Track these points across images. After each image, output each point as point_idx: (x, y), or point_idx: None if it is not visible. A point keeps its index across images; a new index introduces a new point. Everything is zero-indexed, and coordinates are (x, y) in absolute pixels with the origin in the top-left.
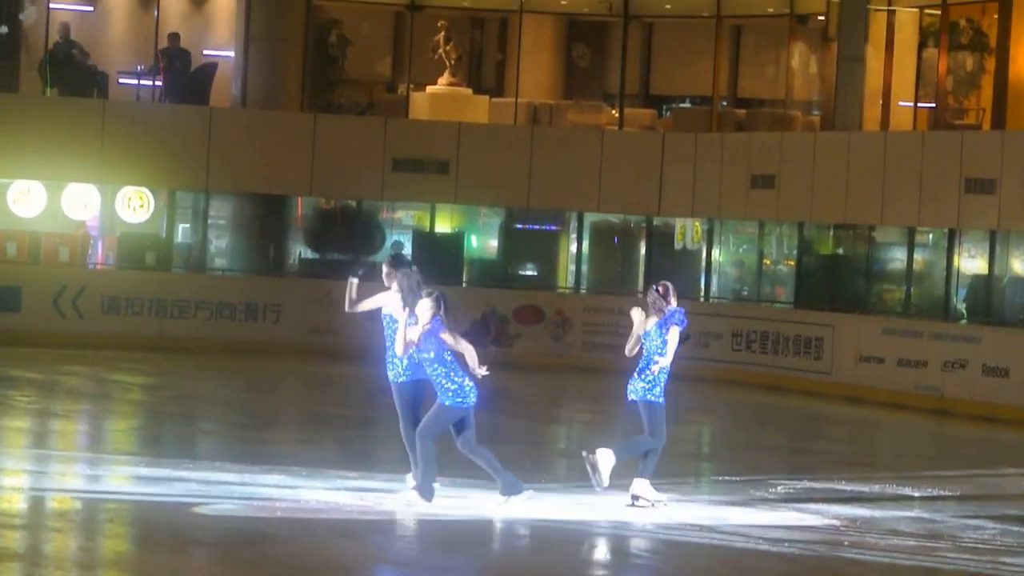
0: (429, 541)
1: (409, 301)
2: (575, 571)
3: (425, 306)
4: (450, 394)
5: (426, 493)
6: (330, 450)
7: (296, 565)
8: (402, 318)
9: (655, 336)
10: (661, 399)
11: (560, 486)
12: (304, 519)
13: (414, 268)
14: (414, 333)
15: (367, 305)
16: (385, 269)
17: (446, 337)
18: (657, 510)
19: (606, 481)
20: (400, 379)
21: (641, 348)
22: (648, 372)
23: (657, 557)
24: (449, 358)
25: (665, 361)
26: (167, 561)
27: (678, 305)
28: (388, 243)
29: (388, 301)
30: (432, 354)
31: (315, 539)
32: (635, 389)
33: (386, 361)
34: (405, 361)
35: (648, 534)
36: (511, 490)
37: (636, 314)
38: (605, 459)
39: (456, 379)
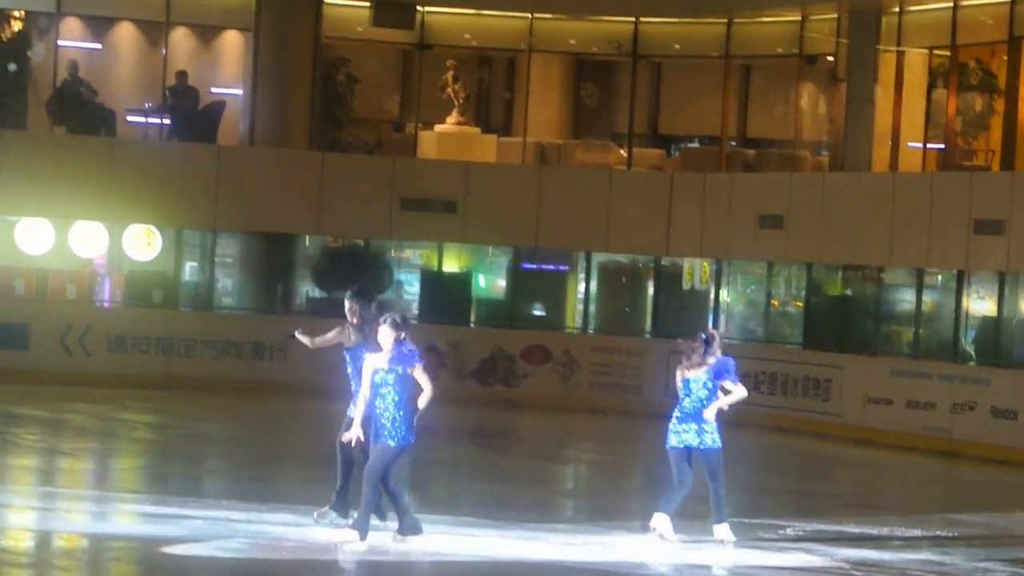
0: None
1: (367, 332)
2: None
3: (385, 332)
4: (398, 435)
5: (362, 530)
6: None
7: None
8: (371, 361)
9: (702, 384)
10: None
11: (565, 527)
12: (310, 559)
13: (374, 304)
14: (381, 360)
15: (328, 339)
16: (348, 304)
17: (418, 374)
18: (670, 550)
19: (674, 537)
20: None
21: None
22: (703, 419)
23: None
24: (402, 398)
25: (721, 403)
26: None
27: (723, 353)
28: (394, 281)
29: (343, 338)
30: (394, 391)
31: None
32: (692, 437)
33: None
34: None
35: (649, 572)
36: (412, 530)
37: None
38: (662, 523)
39: (407, 419)
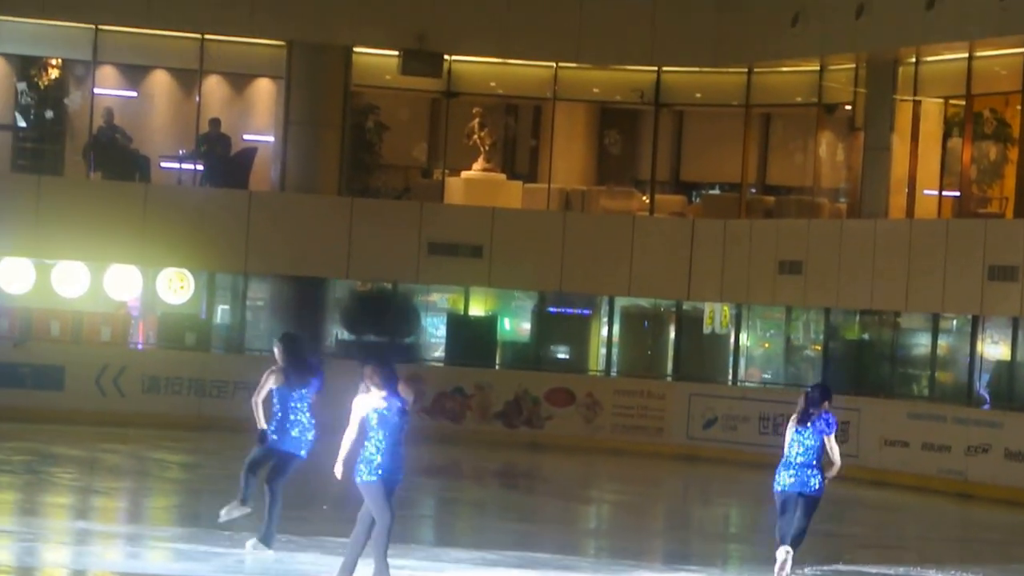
0: None
1: (291, 375)
2: None
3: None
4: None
5: (268, 540)
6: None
7: None
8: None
9: (808, 436)
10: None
11: (589, 564)
12: None
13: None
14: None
15: (265, 387)
16: (276, 349)
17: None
18: None
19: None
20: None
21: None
22: (815, 469)
23: None
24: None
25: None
26: None
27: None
28: (421, 324)
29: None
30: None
31: None
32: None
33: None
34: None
35: None
36: (268, 542)
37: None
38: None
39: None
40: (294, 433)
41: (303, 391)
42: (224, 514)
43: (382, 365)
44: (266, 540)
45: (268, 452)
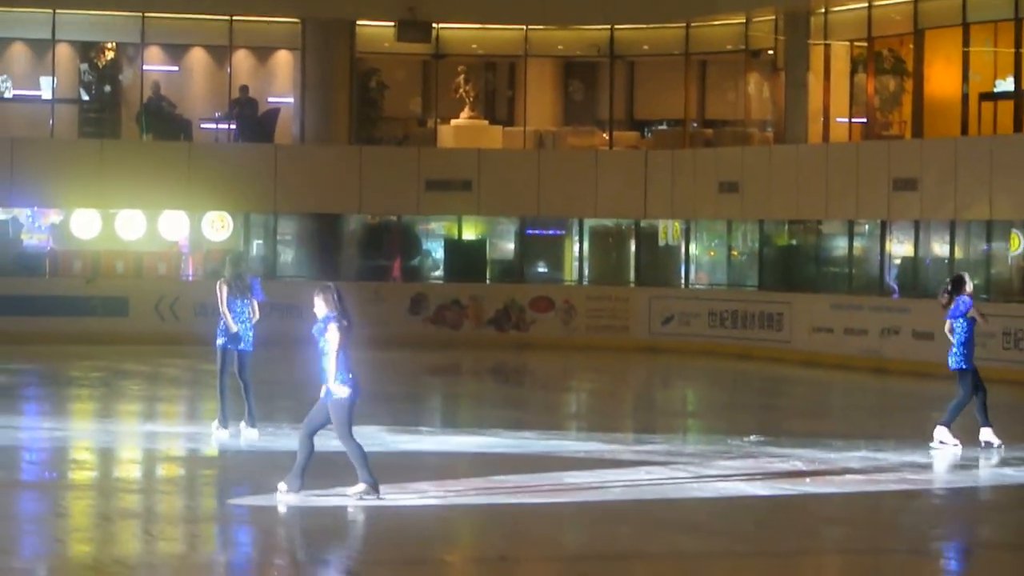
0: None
1: (234, 287)
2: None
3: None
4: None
5: (251, 422)
6: (385, 422)
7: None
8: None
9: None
10: (964, 365)
11: (571, 441)
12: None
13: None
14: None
15: (224, 298)
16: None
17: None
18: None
19: (954, 440)
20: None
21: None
22: (954, 348)
23: (660, 503)
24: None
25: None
26: (248, 514)
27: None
28: (423, 249)
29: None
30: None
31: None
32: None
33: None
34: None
35: (645, 482)
36: (251, 423)
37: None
38: (943, 435)
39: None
40: (241, 333)
41: (245, 300)
42: (214, 435)
43: (331, 290)
44: (250, 422)
45: (226, 355)
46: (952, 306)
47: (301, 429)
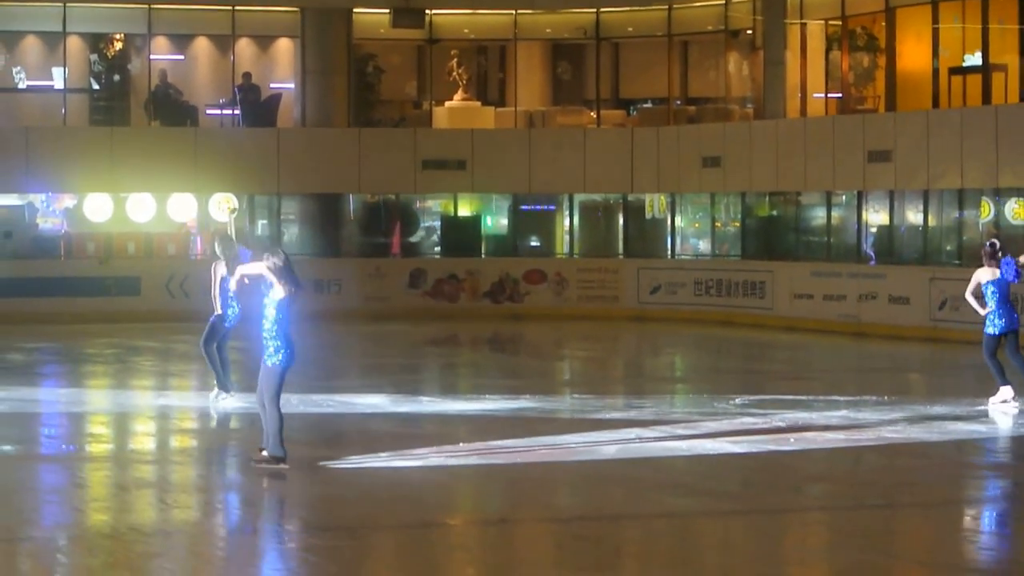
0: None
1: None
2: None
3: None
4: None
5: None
6: (387, 392)
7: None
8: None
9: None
10: (989, 330)
11: (565, 406)
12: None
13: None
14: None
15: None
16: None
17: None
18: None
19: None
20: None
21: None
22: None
23: (650, 463)
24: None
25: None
26: (257, 483)
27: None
28: (420, 225)
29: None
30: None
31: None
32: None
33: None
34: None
35: (635, 444)
36: (224, 388)
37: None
38: (1005, 393)
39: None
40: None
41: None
42: (212, 404)
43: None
44: (225, 387)
45: (215, 328)
46: (1005, 271)
47: (256, 399)
